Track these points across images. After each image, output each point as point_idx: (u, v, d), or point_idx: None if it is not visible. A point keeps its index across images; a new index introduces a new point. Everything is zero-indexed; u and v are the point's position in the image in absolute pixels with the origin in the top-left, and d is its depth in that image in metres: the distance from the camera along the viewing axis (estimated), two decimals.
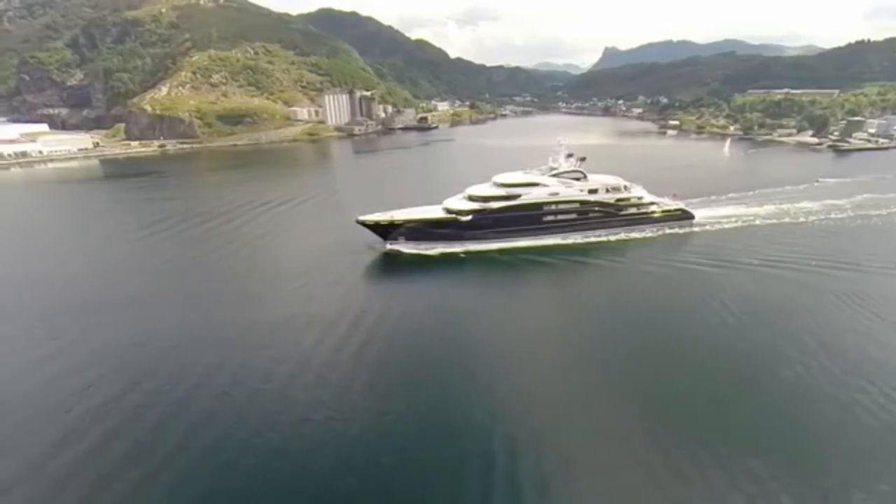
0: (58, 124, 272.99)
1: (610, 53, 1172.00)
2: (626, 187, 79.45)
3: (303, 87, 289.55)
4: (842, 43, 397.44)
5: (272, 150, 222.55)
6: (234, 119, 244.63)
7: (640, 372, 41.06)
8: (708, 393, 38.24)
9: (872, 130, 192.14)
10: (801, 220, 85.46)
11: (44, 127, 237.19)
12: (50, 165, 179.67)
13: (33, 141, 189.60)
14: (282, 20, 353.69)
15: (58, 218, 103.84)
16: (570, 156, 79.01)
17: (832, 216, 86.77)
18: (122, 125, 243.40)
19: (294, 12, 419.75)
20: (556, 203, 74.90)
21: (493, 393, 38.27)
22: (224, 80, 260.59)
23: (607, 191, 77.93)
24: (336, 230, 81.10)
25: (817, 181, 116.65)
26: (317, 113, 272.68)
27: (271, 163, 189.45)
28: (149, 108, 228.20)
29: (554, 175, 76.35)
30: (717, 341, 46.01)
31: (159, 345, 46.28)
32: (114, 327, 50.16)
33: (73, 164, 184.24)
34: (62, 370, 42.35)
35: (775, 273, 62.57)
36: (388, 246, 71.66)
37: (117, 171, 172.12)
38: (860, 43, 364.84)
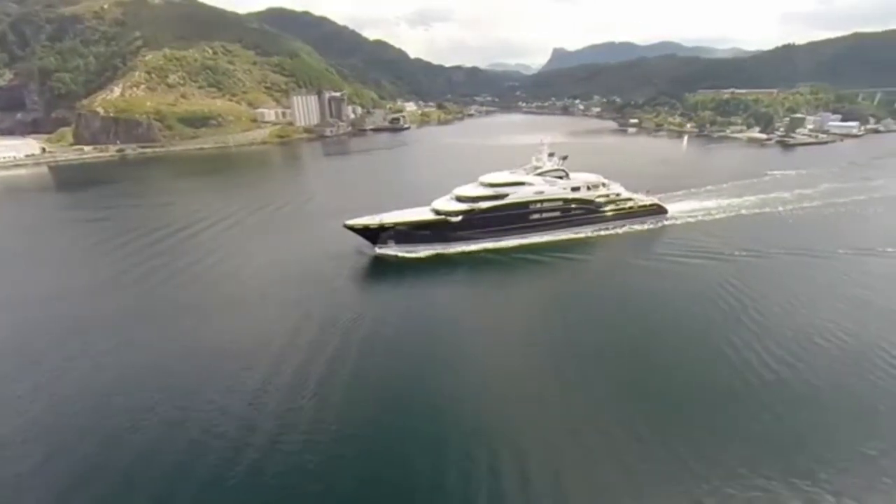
0: None
1: (559, 54, 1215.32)
2: (605, 184, 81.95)
3: (267, 87, 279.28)
4: (763, 45, 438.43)
5: (241, 153, 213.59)
6: (197, 121, 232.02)
7: (635, 364, 42.04)
8: (695, 383, 39.38)
9: (811, 127, 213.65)
10: (767, 209, 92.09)
11: None
12: None
13: None
14: (237, 19, 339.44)
15: (13, 235, 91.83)
16: (552, 155, 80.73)
17: (800, 205, 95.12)
18: (67, 129, 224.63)
19: (242, 11, 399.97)
20: (542, 201, 76.07)
21: (486, 391, 38.53)
22: (182, 81, 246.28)
23: (588, 188, 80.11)
24: (321, 235, 78.99)
25: (767, 174, 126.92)
26: (284, 114, 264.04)
27: (242, 167, 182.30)
28: (101, 111, 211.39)
29: (539, 174, 77.79)
30: (698, 328, 48.05)
31: (137, 363, 43.38)
32: (87, 348, 46.31)
33: (21, 171, 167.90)
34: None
35: (748, 260, 66.16)
36: (377, 250, 70.46)
37: (72, 178, 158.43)
38: (787, 47, 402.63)
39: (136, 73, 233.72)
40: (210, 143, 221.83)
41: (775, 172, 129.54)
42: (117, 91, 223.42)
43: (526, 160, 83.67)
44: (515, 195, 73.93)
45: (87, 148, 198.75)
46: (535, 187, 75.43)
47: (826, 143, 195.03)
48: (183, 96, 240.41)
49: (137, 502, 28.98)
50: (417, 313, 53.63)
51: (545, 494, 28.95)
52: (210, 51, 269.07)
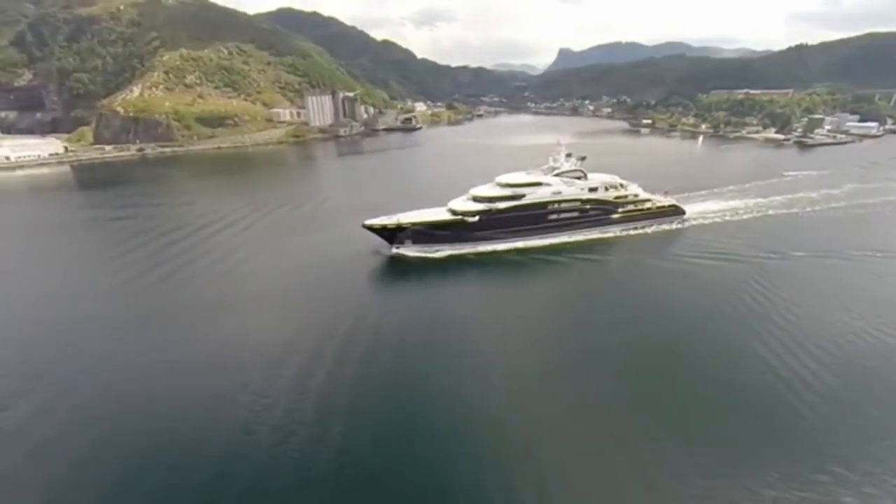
0: (5, 129, 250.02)
1: (565, 54, 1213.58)
2: (622, 185, 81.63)
3: (281, 87, 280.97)
4: (771, 46, 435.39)
5: (258, 152, 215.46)
6: (214, 121, 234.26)
7: (654, 366, 41.95)
8: (719, 386, 38.98)
9: (829, 127, 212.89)
10: (789, 210, 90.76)
11: None
12: (20, 172, 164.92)
13: None
14: (250, 20, 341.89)
15: (39, 232, 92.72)
16: (569, 155, 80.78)
17: (827, 205, 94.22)
18: (87, 128, 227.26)
19: (251, 11, 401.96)
20: (560, 202, 75.83)
21: (502, 390, 38.78)
22: (199, 81, 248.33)
23: (606, 189, 79.86)
24: (339, 235, 79.23)
25: (787, 174, 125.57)
26: (299, 114, 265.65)
27: (259, 166, 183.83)
28: (121, 110, 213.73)
29: (556, 174, 77.56)
30: (719, 331, 47.85)
31: (167, 359, 44.08)
32: (113, 348, 46.63)
33: (45, 170, 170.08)
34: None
35: (771, 262, 65.09)
36: (394, 249, 70.54)
37: (95, 177, 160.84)
38: (799, 47, 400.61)
39: (155, 74, 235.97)
40: (227, 143, 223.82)
41: (796, 173, 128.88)
42: (137, 91, 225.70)
43: (540, 160, 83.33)
44: (533, 196, 73.92)
45: (107, 147, 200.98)
46: (552, 188, 75.38)
47: (845, 143, 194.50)
48: (200, 96, 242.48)
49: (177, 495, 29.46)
50: (435, 313, 53.69)
51: (560, 493, 29.02)
52: (225, 51, 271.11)
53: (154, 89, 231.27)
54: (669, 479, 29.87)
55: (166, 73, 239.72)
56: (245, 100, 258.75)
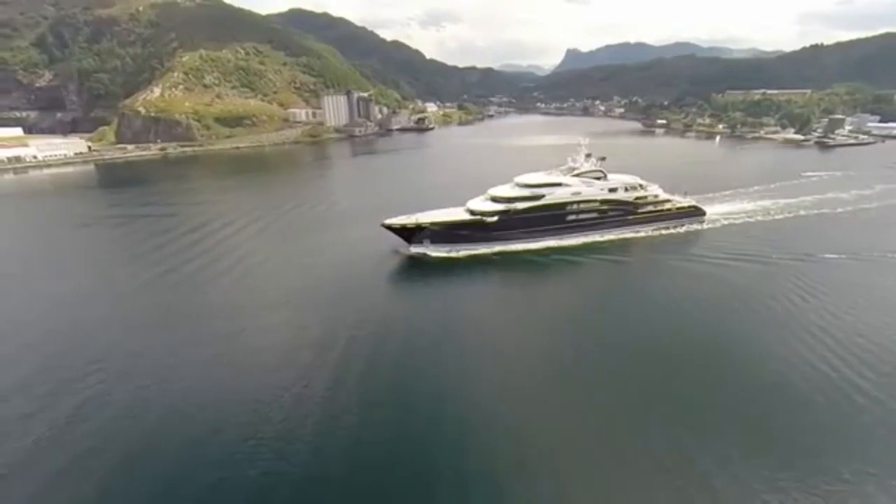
0: (26, 128, 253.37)
1: (572, 55, 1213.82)
2: (642, 186, 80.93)
3: (297, 88, 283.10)
4: (782, 46, 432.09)
5: (276, 152, 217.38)
6: (232, 121, 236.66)
7: (676, 367, 41.69)
8: (745, 388, 38.40)
9: (850, 128, 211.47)
10: (812, 212, 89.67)
11: (17, 131, 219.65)
12: (45, 171, 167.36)
13: (25, 145, 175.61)
14: (264, 20, 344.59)
15: (67, 229, 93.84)
16: (589, 155, 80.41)
17: (857, 206, 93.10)
18: (108, 128, 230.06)
19: (263, 11, 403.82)
20: (579, 202, 75.32)
21: (521, 390, 38.76)
22: (217, 82, 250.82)
23: (626, 189, 79.16)
24: (357, 235, 79.36)
25: (809, 175, 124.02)
26: (314, 114, 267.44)
27: (278, 166, 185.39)
28: (142, 111, 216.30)
29: (575, 175, 77.27)
30: (741, 333, 47.13)
31: (195, 358, 44.43)
32: (138, 348, 46.70)
33: (70, 169, 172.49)
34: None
35: (794, 264, 64.33)
36: (413, 249, 70.18)
37: (119, 176, 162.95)
38: (815, 47, 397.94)
39: (175, 74, 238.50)
40: (245, 143, 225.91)
41: (819, 173, 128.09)
42: (157, 91, 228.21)
43: (554, 160, 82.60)
44: (552, 196, 73.52)
45: (130, 147, 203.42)
46: (571, 188, 75.01)
47: (867, 143, 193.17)
48: (218, 97, 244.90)
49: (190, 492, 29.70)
50: (455, 313, 53.61)
51: (560, 490, 29.10)
52: (242, 51, 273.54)
53: (174, 89, 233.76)
54: (689, 478, 29.69)
55: (186, 73, 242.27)
56: (262, 100, 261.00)
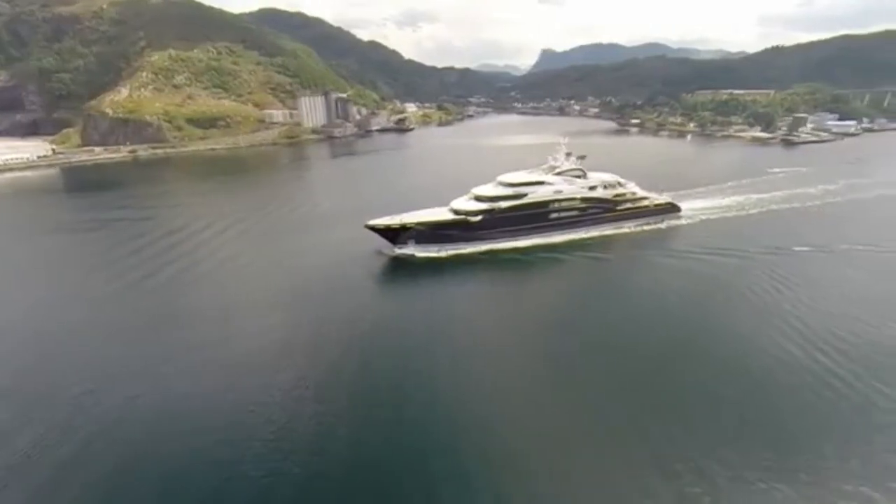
0: None
1: (547, 55, 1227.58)
2: (620, 183, 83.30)
3: (272, 88, 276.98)
4: (746, 47, 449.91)
5: (253, 153, 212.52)
6: (206, 122, 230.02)
7: (659, 359, 43.09)
8: (725, 380, 39.83)
9: (811, 126, 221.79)
10: (782, 206, 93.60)
11: None
12: (6, 175, 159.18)
13: None
14: (237, 19, 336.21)
15: (36, 237, 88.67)
16: (569, 154, 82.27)
17: (823, 201, 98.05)
18: (72, 130, 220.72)
19: (234, 10, 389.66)
20: (561, 201, 76.75)
21: (506, 388, 39.37)
22: (188, 82, 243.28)
23: (605, 187, 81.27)
24: (340, 237, 78.90)
25: (776, 171, 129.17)
26: (291, 115, 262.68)
27: (255, 168, 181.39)
28: (110, 112, 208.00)
29: (556, 174, 78.84)
30: (721, 325, 49.25)
31: (175, 364, 43.81)
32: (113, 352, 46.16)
33: (30, 173, 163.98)
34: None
35: (767, 257, 66.96)
36: (398, 250, 70.29)
37: (86, 179, 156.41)
38: (776, 49, 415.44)
39: (144, 74, 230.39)
40: (221, 144, 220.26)
41: (786, 169, 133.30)
42: (125, 92, 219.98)
43: (535, 159, 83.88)
44: (534, 195, 74.69)
45: (97, 149, 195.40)
46: (553, 187, 76.36)
47: (828, 141, 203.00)
48: (189, 97, 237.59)
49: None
50: (441, 313, 53.87)
51: (563, 488, 29.59)
52: (215, 51, 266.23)
53: (143, 90, 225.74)
54: (676, 467, 30.63)
55: (155, 73, 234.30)
56: (236, 101, 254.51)
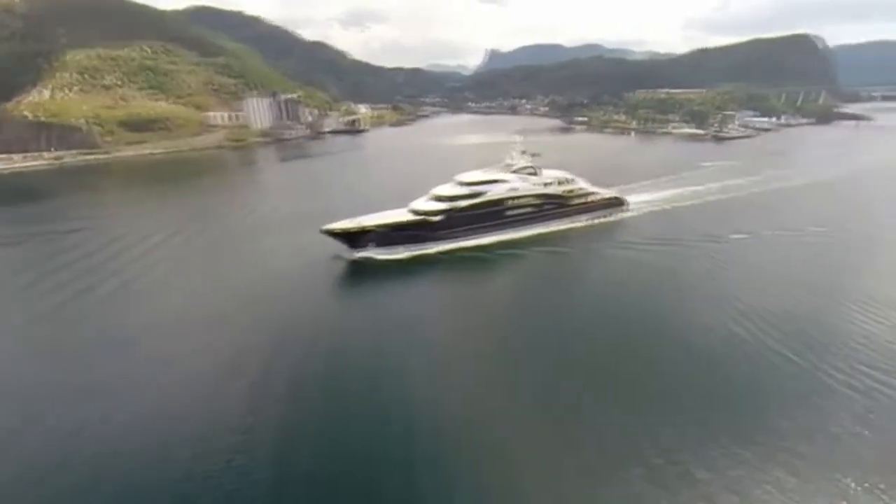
0: None
1: (494, 55, 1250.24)
2: (570, 180, 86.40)
3: (214, 90, 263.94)
4: (672, 49, 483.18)
5: (196, 159, 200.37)
6: (141, 125, 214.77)
7: (616, 346, 45.65)
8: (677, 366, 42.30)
9: (738, 123, 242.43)
10: (715, 197, 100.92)
11: None
12: None
13: None
14: (167, 17, 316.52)
15: None
16: (524, 152, 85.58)
17: (749, 191, 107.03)
18: None
19: (164, 7, 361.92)
20: (517, 198, 78.82)
21: (471, 387, 39.90)
22: (120, 82, 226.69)
23: (558, 184, 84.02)
24: (294, 243, 77.17)
25: (709, 164, 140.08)
26: (237, 117, 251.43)
27: (199, 174, 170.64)
28: (29, 115, 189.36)
29: (512, 171, 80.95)
30: (672, 311, 52.64)
31: (114, 382, 41.55)
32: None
33: None
34: None
35: (705, 245, 72.35)
36: (357, 254, 69.09)
37: (5, 190, 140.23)
38: (701, 51, 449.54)
39: (67, 74, 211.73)
40: (160, 149, 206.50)
41: (717, 163, 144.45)
42: (46, 93, 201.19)
43: (491, 157, 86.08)
44: (491, 193, 76.35)
45: (15, 156, 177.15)
46: (509, 184, 78.33)
47: (751, 136, 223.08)
48: (122, 99, 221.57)
49: None
50: (401, 314, 53.71)
51: (529, 485, 30.21)
52: (148, 50, 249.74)
53: (67, 91, 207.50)
54: (640, 450, 32.45)
55: (80, 73, 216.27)
56: (175, 102, 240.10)
